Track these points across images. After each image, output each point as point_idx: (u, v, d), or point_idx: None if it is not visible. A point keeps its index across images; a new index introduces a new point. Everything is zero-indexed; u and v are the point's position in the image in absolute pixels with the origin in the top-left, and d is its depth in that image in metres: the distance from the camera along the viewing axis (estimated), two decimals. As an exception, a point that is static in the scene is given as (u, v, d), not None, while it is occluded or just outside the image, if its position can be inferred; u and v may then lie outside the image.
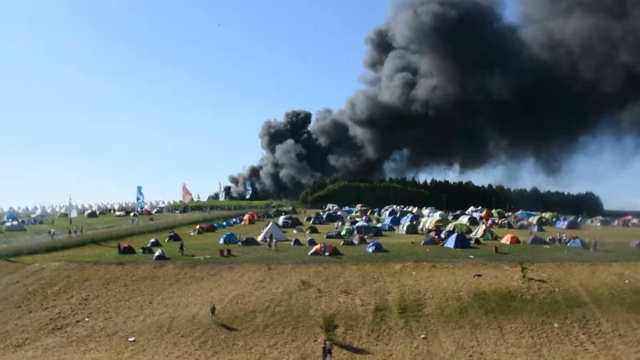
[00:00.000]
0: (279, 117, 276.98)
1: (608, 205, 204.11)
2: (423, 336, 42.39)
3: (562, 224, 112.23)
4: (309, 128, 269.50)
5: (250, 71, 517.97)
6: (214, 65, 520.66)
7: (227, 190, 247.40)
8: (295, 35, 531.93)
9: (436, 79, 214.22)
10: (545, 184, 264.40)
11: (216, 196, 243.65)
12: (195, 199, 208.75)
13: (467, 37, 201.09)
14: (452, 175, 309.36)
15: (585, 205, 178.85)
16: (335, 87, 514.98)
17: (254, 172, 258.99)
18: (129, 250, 68.88)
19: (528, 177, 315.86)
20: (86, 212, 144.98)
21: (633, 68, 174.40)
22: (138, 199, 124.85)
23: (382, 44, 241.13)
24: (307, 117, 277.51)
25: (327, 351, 39.27)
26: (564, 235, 79.44)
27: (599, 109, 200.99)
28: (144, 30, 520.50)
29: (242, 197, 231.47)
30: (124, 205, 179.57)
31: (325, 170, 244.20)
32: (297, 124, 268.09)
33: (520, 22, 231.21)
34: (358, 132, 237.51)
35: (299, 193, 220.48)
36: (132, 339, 43.42)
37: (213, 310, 46.26)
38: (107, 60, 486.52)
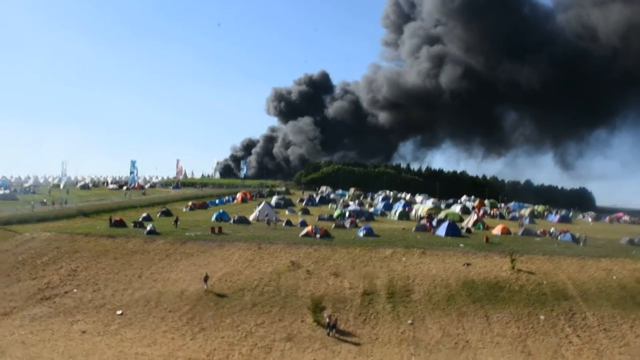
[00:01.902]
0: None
1: (600, 201, 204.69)
2: (410, 322, 42.59)
3: (554, 218, 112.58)
4: (327, 101, 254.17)
5: (251, 47, 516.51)
6: (214, 40, 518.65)
7: (240, 158, 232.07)
8: (296, 11, 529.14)
9: (463, 62, 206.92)
10: (553, 179, 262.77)
11: (225, 170, 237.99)
12: (190, 176, 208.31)
13: (498, 20, 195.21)
14: (471, 164, 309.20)
15: (577, 200, 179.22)
16: (341, 58, 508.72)
17: (269, 142, 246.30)
18: (121, 223, 68.76)
19: (533, 171, 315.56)
20: (79, 184, 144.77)
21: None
22: (132, 172, 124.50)
23: (400, 19, 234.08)
24: (323, 82, 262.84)
25: (331, 325, 39.92)
26: (552, 228, 79.54)
27: (629, 104, 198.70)
28: (144, 4, 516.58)
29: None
30: (117, 178, 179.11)
31: (337, 149, 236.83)
32: (309, 95, 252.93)
33: (554, 7, 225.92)
34: (378, 116, 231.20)
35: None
36: (119, 312, 43.51)
37: (206, 279, 47.29)
38: (105, 32, 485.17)
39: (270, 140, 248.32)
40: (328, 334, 39.97)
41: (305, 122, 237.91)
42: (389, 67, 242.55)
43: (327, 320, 41.01)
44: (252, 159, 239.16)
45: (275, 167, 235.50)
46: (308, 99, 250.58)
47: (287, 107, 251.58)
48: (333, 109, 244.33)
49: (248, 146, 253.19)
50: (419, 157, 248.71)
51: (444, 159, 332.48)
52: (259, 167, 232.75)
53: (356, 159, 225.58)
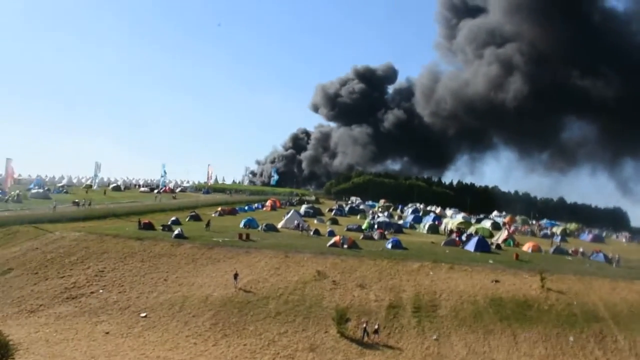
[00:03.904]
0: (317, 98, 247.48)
1: (636, 221, 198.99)
2: (435, 337, 41.97)
3: (587, 237, 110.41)
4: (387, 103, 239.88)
5: (291, 52, 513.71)
6: (252, 44, 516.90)
7: (289, 158, 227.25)
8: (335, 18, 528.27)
9: (531, 72, 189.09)
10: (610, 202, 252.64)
11: (266, 180, 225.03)
12: (221, 182, 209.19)
13: (568, 26, 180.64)
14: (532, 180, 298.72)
15: (611, 220, 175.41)
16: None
17: (319, 142, 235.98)
18: (149, 226, 69.07)
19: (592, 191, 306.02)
20: (111, 186, 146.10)
21: None
22: (162, 176, 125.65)
23: (455, 16, 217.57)
24: (386, 77, 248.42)
25: (366, 331, 41.03)
26: (581, 248, 77.85)
27: None
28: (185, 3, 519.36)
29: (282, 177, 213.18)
30: (149, 181, 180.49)
31: (390, 159, 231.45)
32: (366, 94, 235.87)
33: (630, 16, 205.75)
34: (436, 127, 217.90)
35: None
36: (144, 314, 43.60)
37: (236, 276, 48.37)
38: (145, 32, 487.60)
39: (322, 140, 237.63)
40: (363, 341, 40.52)
41: (361, 130, 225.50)
42: (447, 72, 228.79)
43: (365, 326, 41.48)
44: (304, 165, 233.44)
45: (323, 173, 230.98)
46: (365, 99, 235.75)
47: (341, 111, 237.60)
48: (388, 121, 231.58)
49: (295, 144, 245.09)
50: (475, 171, 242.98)
51: (499, 174, 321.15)
52: (309, 174, 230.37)
53: (410, 170, 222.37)
